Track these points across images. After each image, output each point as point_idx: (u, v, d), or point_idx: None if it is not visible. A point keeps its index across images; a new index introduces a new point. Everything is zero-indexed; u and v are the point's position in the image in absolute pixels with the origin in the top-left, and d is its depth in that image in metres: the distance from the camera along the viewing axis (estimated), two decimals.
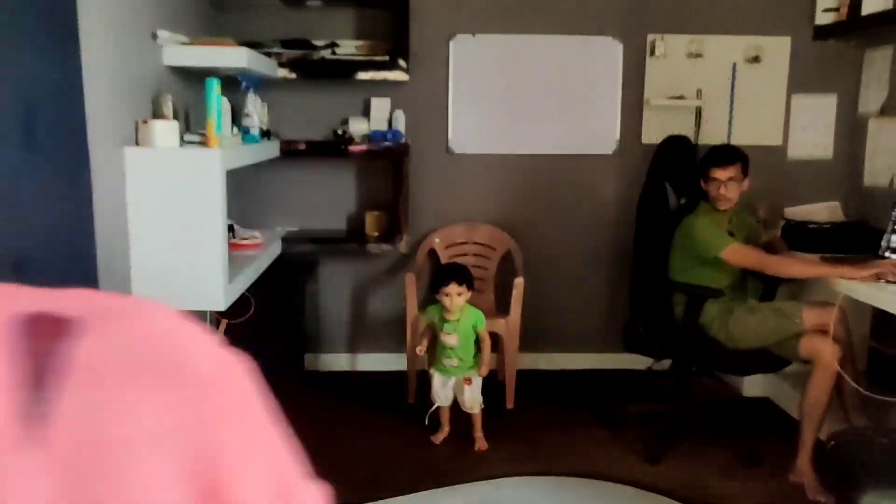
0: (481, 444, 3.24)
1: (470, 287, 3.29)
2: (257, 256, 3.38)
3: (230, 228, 3.59)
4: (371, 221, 3.92)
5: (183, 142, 2.70)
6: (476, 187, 4.09)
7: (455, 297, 3.20)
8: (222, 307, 2.64)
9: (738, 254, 3.08)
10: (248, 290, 3.66)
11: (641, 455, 3.15)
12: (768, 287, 3.31)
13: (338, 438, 3.29)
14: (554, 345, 4.21)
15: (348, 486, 2.86)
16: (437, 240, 4.05)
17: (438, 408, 3.32)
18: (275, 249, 3.65)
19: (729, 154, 3.16)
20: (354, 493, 2.80)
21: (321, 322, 4.15)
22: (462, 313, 3.25)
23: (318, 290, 4.12)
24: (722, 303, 3.13)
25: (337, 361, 4.16)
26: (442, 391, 3.29)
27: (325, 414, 3.55)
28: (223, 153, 2.63)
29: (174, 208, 2.56)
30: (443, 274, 3.31)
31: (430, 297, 4.09)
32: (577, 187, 4.11)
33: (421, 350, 3.30)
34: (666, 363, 3.51)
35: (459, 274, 3.27)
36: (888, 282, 2.79)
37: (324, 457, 3.15)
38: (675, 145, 3.45)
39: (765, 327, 3.01)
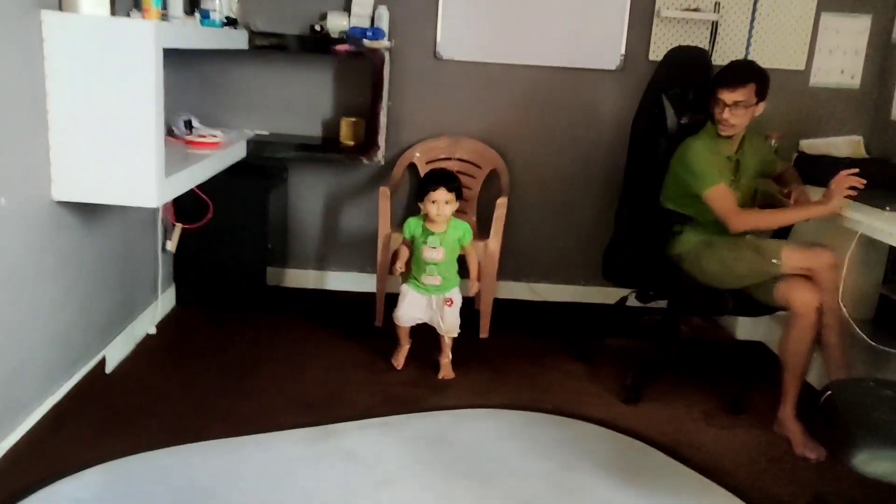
0: (447, 371, 3.00)
1: (459, 196, 2.97)
2: (214, 157, 3.08)
3: (187, 124, 3.29)
4: (347, 129, 3.59)
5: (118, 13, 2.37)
6: (464, 98, 3.74)
7: (443, 204, 2.88)
8: (154, 204, 2.36)
9: (714, 198, 2.75)
10: (208, 194, 3.39)
11: (617, 394, 2.90)
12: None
13: (296, 357, 3.05)
14: (536, 274, 3.93)
15: (302, 407, 2.63)
16: (417, 154, 3.73)
17: (398, 327, 3.06)
18: (237, 152, 3.35)
19: (741, 74, 2.76)
20: (308, 414, 2.58)
21: (289, 235, 3.87)
22: (448, 225, 2.96)
23: (288, 201, 3.82)
24: (701, 233, 2.83)
25: (304, 278, 3.90)
26: (409, 312, 3.02)
27: (283, 332, 3.31)
28: (160, 27, 2.29)
29: (101, 88, 2.25)
30: (430, 178, 2.98)
31: (408, 214, 3.80)
32: (575, 105, 3.75)
33: (400, 267, 2.96)
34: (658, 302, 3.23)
35: (449, 179, 2.94)
36: (852, 198, 2.66)
37: (279, 375, 2.87)
38: (685, 58, 3.08)
39: (740, 266, 2.71)
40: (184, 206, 3.39)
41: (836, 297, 2.61)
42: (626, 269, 2.97)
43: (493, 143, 3.74)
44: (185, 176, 2.63)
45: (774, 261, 2.63)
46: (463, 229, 2.99)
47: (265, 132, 3.70)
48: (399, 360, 3.06)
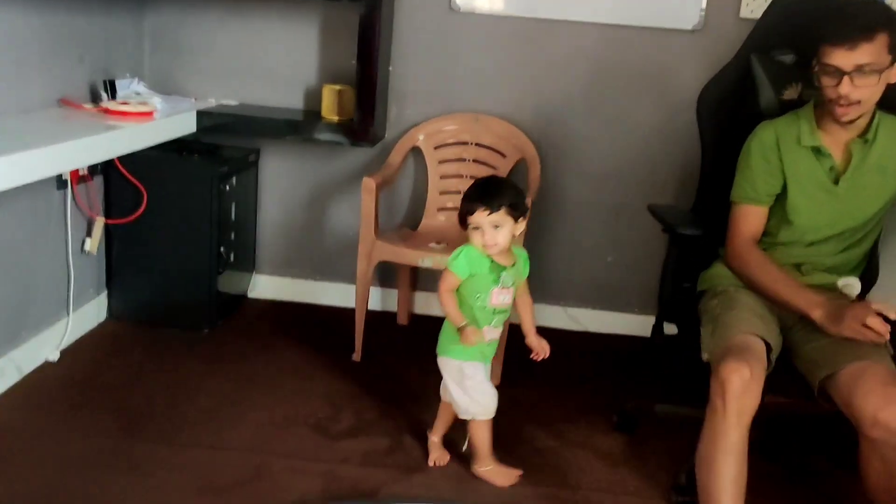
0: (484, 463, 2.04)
1: (518, 212, 1.89)
2: (136, 130, 2.32)
3: (108, 85, 2.53)
4: (330, 99, 2.76)
5: None
6: (487, 64, 2.85)
7: (490, 230, 1.86)
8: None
9: (731, 217, 1.91)
10: (143, 180, 2.63)
11: (666, 496, 2.00)
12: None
13: (228, 407, 2.26)
14: (574, 296, 3.03)
15: (206, 492, 1.84)
16: (421, 136, 2.87)
17: (474, 423, 2.01)
18: (179, 127, 2.57)
19: (860, 21, 1.69)
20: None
21: (259, 233, 3.08)
22: (515, 255, 1.99)
23: (258, 190, 3.03)
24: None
25: (278, 287, 3.10)
26: (490, 390, 2.00)
27: (227, 362, 2.52)
28: None
29: None
30: (468, 195, 1.90)
31: (412, 212, 2.97)
32: (636, 76, 2.81)
33: (474, 334, 1.90)
34: None
35: (493, 193, 1.88)
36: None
37: (195, 435, 2.10)
38: (802, 8, 2.11)
39: (709, 337, 1.79)
40: (113, 196, 2.65)
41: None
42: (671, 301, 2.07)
43: (523, 124, 2.85)
44: (73, 153, 1.87)
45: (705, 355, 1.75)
46: (523, 258, 2.05)
47: (233, 102, 2.91)
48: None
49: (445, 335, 2.00)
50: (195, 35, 2.89)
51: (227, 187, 2.75)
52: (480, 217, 1.86)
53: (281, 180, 3.01)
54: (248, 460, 1.99)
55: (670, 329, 2.15)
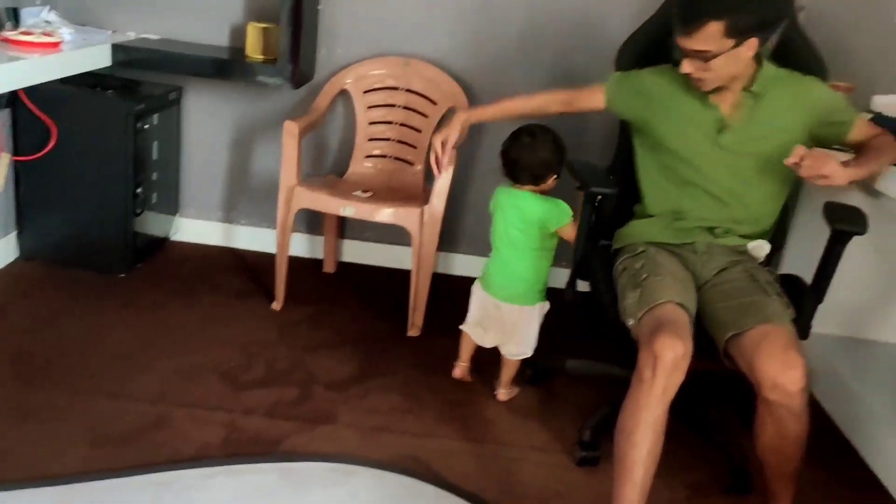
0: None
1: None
2: (43, 62, 2.20)
3: (13, 12, 2.39)
4: (254, 37, 2.64)
5: None
6: (421, 5, 2.76)
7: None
8: None
9: None
10: (53, 116, 2.51)
11: (570, 451, 2.04)
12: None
13: (137, 354, 2.22)
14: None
15: (102, 441, 1.80)
16: (348, 79, 2.78)
17: None
18: (91, 60, 2.45)
19: (692, 11, 1.72)
20: (105, 454, 1.75)
21: (183, 174, 2.98)
22: None
23: (181, 130, 2.92)
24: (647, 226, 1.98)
25: (205, 231, 3.03)
26: None
27: (143, 308, 2.47)
28: None
29: None
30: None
31: (340, 159, 2.90)
32: (572, 24, 2.75)
33: None
34: None
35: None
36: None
37: (99, 381, 2.05)
38: None
39: (634, 304, 1.76)
40: (20, 132, 2.53)
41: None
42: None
43: (456, 71, 2.78)
44: None
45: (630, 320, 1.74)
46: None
47: (154, 36, 2.78)
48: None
49: (542, 281, 2.15)
50: None
51: (146, 125, 2.65)
52: None
53: (205, 120, 2.91)
54: (148, 410, 1.96)
55: (584, 286, 2.16)
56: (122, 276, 2.65)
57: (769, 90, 1.84)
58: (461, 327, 2.25)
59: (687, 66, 1.77)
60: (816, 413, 2.37)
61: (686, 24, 1.72)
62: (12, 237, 2.64)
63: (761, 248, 1.91)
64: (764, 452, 1.72)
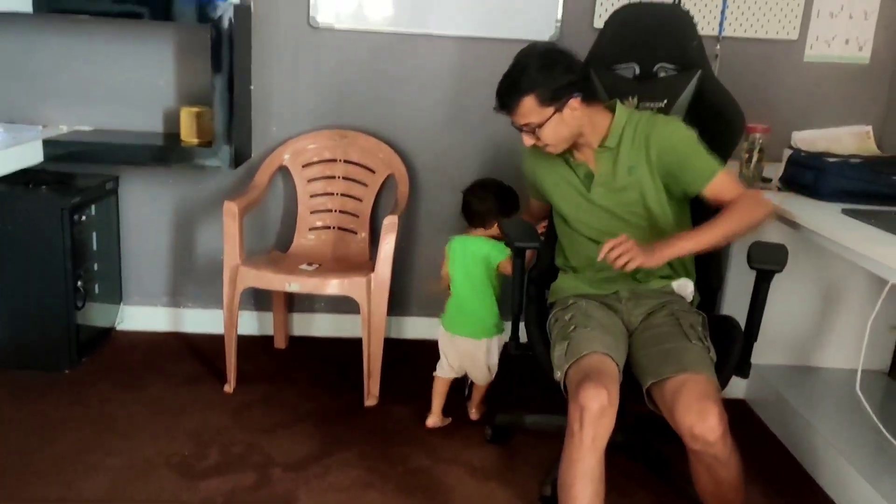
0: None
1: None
2: None
3: None
4: (188, 121, 2.66)
5: None
6: (352, 79, 2.82)
7: None
8: None
9: None
10: None
11: (534, 497, 2.03)
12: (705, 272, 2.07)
13: (83, 457, 2.15)
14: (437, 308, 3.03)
15: None
16: (287, 154, 2.81)
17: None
18: (23, 157, 2.44)
19: (503, 96, 1.84)
20: None
21: (125, 262, 2.95)
22: None
23: (120, 219, 2.90)
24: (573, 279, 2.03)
25: (152, 317, 2.98)
26: None
27: (89, 404, 2.40)
28: None
29: None
30: (512, 197, 2.40)
31: (283, 234, 2.90)
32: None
33: None
34: None
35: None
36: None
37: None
38: (643, 20, 2.18)
39: (562, 357, 1.79)
40: None
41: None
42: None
43: (391, 139, 2.83)
44: None
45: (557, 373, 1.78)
46: None
47: (86, 127, 2.78)
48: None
49: (494, 315, 2.34)
50: (41, 59, 2.74)
51: (84, 217, 2.63)
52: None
53: (144, 206, 2.90)
54: None
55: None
56: (67, 372, 2.58)
57: (624, 139, 1.89)
58: (435, 374, 2.39)
59: (526, 140, 1.88)
60: (770, 441, 2.42)
61: (505, 106, 1.84)
62: None
63: (685, 286, 1.96)
64: (704, 497, 1.75)
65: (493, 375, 2.37)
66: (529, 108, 1.80)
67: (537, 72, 1.79)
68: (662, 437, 2.16)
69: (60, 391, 2.46)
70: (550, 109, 1.80)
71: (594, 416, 1.58)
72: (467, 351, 2.34)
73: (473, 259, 2.30)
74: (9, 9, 2.36)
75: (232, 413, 2.41)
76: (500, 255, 2.28)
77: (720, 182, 1.84)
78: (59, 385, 2.50)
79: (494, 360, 2.36)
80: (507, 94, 1.83)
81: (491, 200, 2.33)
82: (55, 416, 2.32)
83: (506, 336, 2.20)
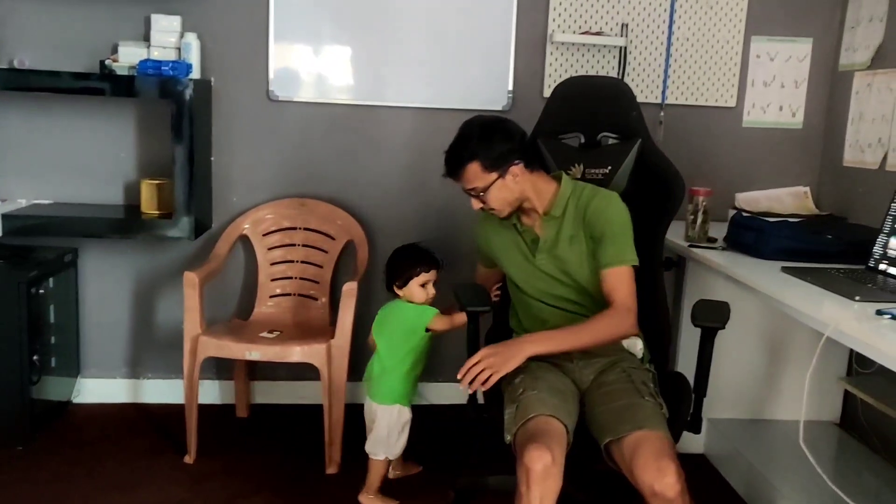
0: None
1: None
2: None
3: None
4: (148, 193, 2.70)
5: None
6: (311, 149, 2.90)
7: (430, 286, 2.34)
8: None
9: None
10: None
11: None
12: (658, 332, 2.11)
13: None
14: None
15: None
16: (247, 224, 2.85)
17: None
18: None
19: (449, 163, 1.97)
20: None
21: (83, 335, 2.93)
22: None
23: (78, 291, 2.89)
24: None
25: (110, 389, 2.95)
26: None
27: (45, 484, 2.35)
28: None
29: None
30: (416, 259, 2.34)
31: (243, 302, 2.92)
32: None
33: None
34: None
35: (430, 254, 2.38)
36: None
37: None
38: (585, 92, 2.31)
39: (511, 420, 1.83)
40: None
41: None
42: None
43: (349, 206, 2.90)
44: None
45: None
46: None
47: (46, 201, 2.80)
48: None
49: (401, 384, 2.30)
50: (1, 135, 2.77)
51: (41, 290, 2.62)
52: (429, 275, 2.31)
53: (103, 278, 2.90)
54: None
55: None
56: (20, 448, 2.53)
57: (567, 209, 1.99)
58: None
59: (474, 203, 1.98)
60: (729, 495, 2.46)
61: (452, 173, 1.95)
62: None
63: (634, 344, 2.02)
64: None
65: (390, 457, 2.30)
66: (473, 174, 1.91)
67: (479, 140, 1.90)
68: (624, 494, 2.20)
69: (12, 468, 2.41)
70: (493, 175, 1.90)
71: (539, 476, 1.61)
72: (371, 414, 2.32)
73: (396, 323, 2.30)
74: None
75: (192, 484, 2.38)
76: (423, 319, 2.27)
77: (617, 275, 1.91)
78: (12, 462, 2.45)
79: (393, 436, 2.28)
80: (453, 162, 1.94)
81: (397, 261, 2.33)
82: (6, 496, 2.26)
83: (408, 413, 2.29)
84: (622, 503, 2.27)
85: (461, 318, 2.16)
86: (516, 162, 1.91)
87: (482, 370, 1.78)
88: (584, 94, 2.29)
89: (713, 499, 2.40)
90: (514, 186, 1.93)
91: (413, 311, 2.29)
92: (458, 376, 1.81)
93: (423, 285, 2.30)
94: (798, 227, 2.44)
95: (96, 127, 2.80)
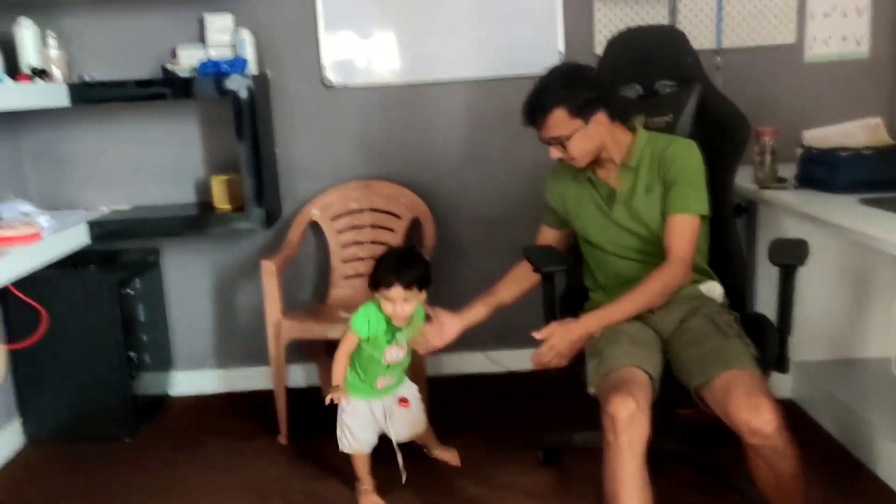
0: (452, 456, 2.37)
1: (423, 286, 2.11)
2: (22, 254, 2.31)
3: None
4: (219, 189, 2.80)
5: None
6: (369, 132, 2.95)
7: (401, 303, 2.05)
8: None
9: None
10: (40, 300, 2.60)
11: None
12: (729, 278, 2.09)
13: None
14: (492, 339, 3.08)
15: None
16: (315, 210, 2.93)
17: (355, 459, 2.25)
18: (71, 241, 2.58)
19: (532, 107, 1.92)
20: None
21: (172, 330, 3.07)
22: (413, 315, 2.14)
23: (163, 289, 3.03)
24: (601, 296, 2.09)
25: (201, 381, 3.09)
26: (369, 429, 2.21)
27: (151, 472, 2.49)
28: None
29: None
30: (383, 268, 2.07)
31: (317, 287, 3.00)
32: (509, 121, 2.91)
33: (340, 394, 2.13)
34: None
35: (406, 270, 2.06)
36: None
37: None
38: (640, 44, 2.29)
39: (594, 372, 1.84)
40: (12, 321, 2.61)
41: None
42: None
43: (412, 184, 2.94)
44: None
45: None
46: (419, 311, 2.17)
47: (125, 207, 2.93)
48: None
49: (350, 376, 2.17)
50: (76, 148, 2.91)
51: (131, 291, 2.75)
52: (395, 292, 2.03)
53: (185, 274, 3.02)
54: None
55: None
56: (128, 440, 2.68)
57: (643, 159, 1.97)
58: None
59: (554, 153, 1.95)
60: (823, 437, 2.42)
61: (535, 119, 1.91)
62: (16, 424, 2.68)
63: (713, 289, 2.01)
64: (766, 491, 1.76)
65: (354, 451, 2.23)
66: (558, 120, 1.88)
67: (564, 87, 1.88)
68: (714, 442, 2.20)
69: (124, 460, 2.56)
70: (578, 122, 1.89)
71: (625, 422, 1.63)
72: None
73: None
74: (50, 105, 2.52)
75: (288, 463, 2.48)
76: (351, 323, 2.10)
77: (680, 223, 1.90)
78: (122, 454, 2.60)
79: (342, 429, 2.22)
80: (537, 108, 1.91)
81: (378, 260, 2.13)
82: (122, 484, 2.41)
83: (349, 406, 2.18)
84: (710, 453, 2.27)
85: (338, 373, 2.13)
86: (601, 110, 1.91)
87: (551, 357, 1.87)
88: (637, 45, 2.28)
89: (807, 442, 2.35)
90: (595, 135, 1.92)
91: (356, 315, 2.11)
92: (532, 362, 1.91)
93: (389, 302, 2.05)
94: (873, 158, 2.36)
95: (163, 130, 2.91)
